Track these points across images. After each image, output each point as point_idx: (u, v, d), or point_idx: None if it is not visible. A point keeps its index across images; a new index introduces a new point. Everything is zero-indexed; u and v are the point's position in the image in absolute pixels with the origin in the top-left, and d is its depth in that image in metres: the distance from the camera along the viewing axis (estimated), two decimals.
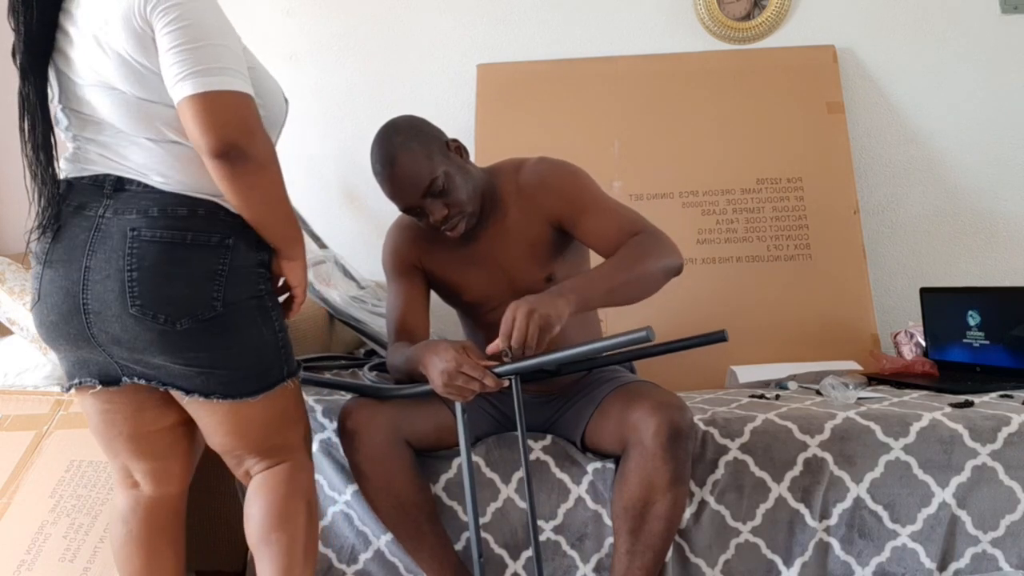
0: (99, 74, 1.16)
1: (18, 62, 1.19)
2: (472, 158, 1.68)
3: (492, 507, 1.58)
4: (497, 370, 1.32)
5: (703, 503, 1.55)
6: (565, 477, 1.56)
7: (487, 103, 2.66)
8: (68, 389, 1.28)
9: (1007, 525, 1.51)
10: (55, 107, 1.23)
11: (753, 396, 1.83)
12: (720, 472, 1.55)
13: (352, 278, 2.45)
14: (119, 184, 1.18)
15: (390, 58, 2.79)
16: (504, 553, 1.58)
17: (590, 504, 1.56)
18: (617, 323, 2.08)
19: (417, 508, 1.48)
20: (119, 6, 1.13)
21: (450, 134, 1.56)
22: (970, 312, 1.94)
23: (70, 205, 1.19)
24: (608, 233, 1.47)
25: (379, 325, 2.13)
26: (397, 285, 1.62)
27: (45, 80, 1.20)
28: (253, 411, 1.24)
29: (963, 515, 1.51)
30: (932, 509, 1.52)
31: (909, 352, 2.13)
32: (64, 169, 1.23)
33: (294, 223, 1.27)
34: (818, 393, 1.85)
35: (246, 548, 1.66)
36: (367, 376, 1.84)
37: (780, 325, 2.37)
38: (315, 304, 2.14)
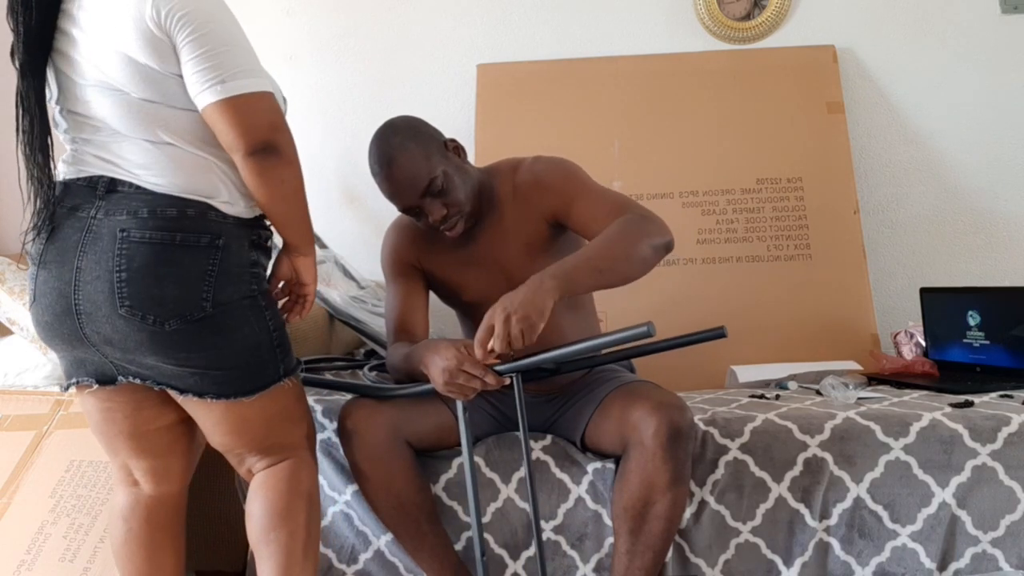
0: (103, 74, 1.17)
1: (17, 62, 1.19)
2: (472, 158, 1.68)
3: (492, 507, 1.58)
4: (498, 368, 1.32)
5: (703, 503, 1.55)
6: (565, 477, 1.56)
7: (487, 103, 2.66)
8: (66, 388, 1.28)
9: (1007, 525, 1.51)
10: (53, 108, 1.24)
11: (753, 396, 1.83)
12: (720, 472, 1.55)
13: (352, 278, 2.45)
14: (111, 185, 1.19)
15: (390, 58, 2.79)
16: (504, 553, 1.58)
17: (590, 504, 1.56)
18: (617, 323, 2.08)
19: (417, 508, 1.48)
20: (128, 9, 1.14)
21: (450, 134, 1.56)
22: (970, 312, 1.94)
23: (64, 206, 1.19)
24: (597, 217, 1.45)
25: (379, 325, 2.13)
26: (396, 285, 1.62)
27: (43, 81, 1.21)
28: (250, 410, 1.25)
29: (963, 515, 1.51)
30: (932, 509, 1.52)
31: (909, 352, 2.13)
32: (61, 171, 1.24)
33: (308, 219, 1.32)
34: (818, 393, 1.85)
35: (246, 548, 1.66)
36: (367, 376, 1.84)
37: (780, 325, 2.37)
38: (315, 304, 2.14)
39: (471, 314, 1.64)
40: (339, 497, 1.60)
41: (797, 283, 2.41)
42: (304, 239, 1.32)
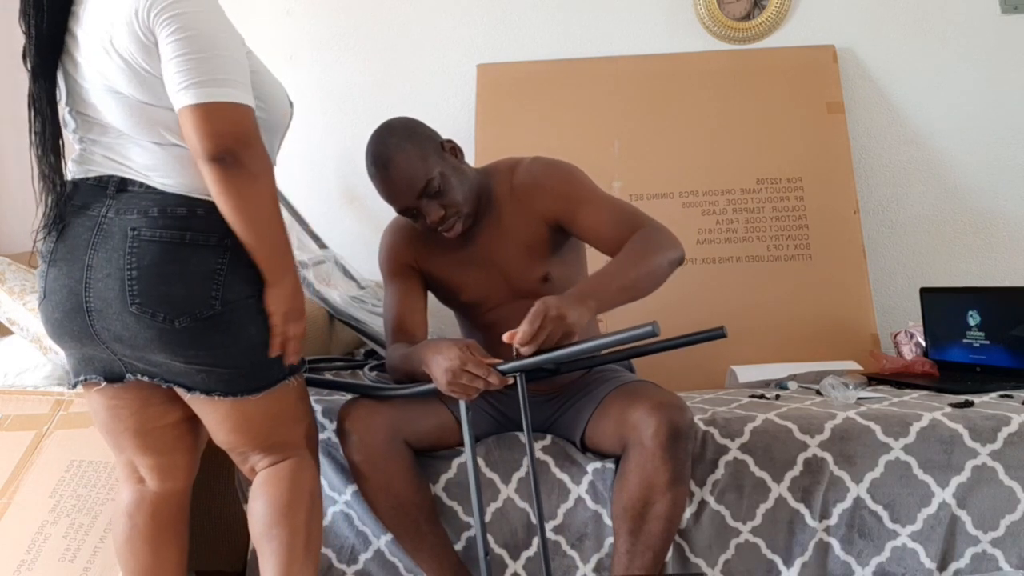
0: (104, 77, 1.18)
1: (29, 64, 1.20)
2: (472, 158, 1.68)
3: (492, 507, 1.58)
4: (501, 367, 1.32)
5: (703, 503, 1.55)
6: (565, 477, 1.56)
7: (487, 103, 2.66)
8: (75, 385, 1.30)
9: (1007, 525, 1.51)
10: (63, 109, 1.25)
11: (753, 396, 1.83)
12: (720, 472, 1.55)
13: (352, 278, 2.45)
14: (122, 185, 1.20)
15: (390, 58, 2.79)
16: (504, 553, 1.58)
17: (590, 504, 1.56)
18: (616, 322, 2.08)
19: (416, 508, 1.48)
20: (122, 10, 1.14)
21: (450, 134, 1.56)
22: (970, 312, 1.94)
23: (74, 205, 1.21)
24: (607, 228, 1.47)
25: (379, 325, 2.13)
26: (394, 286, 1.62)
27: (54, 82, 1.22)
28: (255, 408, 1.25)
29: (963, 515, 1.51)
30: (932, 509, 1.52)
31: (909, 352, 2.13)
32: (71, 170, 1.25)
33: (281, 247, 1.23)
34: (818, 393, 1.85)
35: (246, 548, 1.66)
36: (368, 376, 1.84)
37: (780, 325, 2.37)
38: (315, 304, 2.14)
39: (469, 314, 1.64)
40: (339, 497, 1.60)
41: (797, 283, 2.41)
42: (269, 263, 1.21)
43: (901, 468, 1.52)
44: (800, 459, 1.55)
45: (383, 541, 1.60)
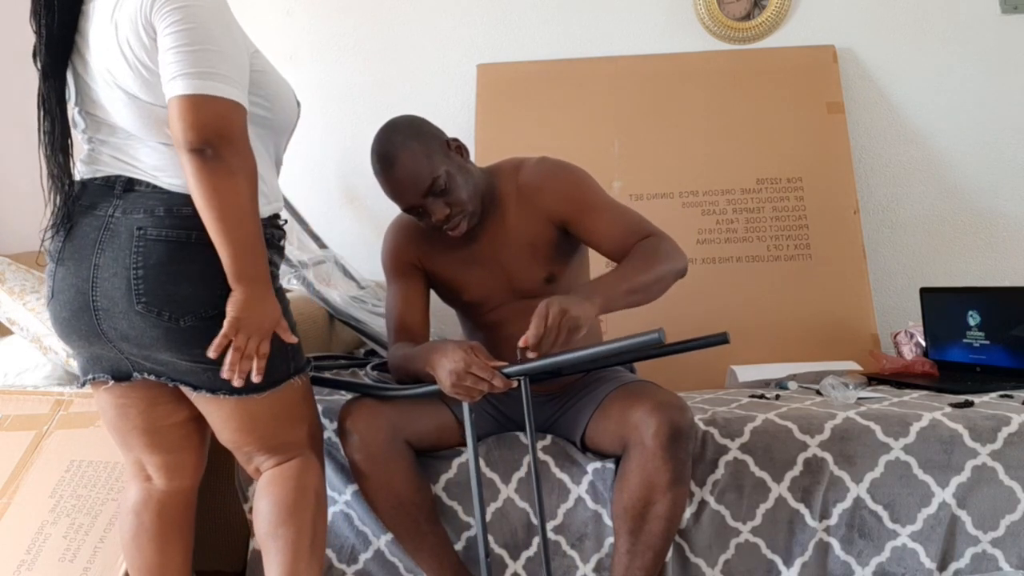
0: (113, 77, 1.18)
1: (39, 64, 1.20)
2: (472, 158, 1.68)
3: (492, 507, 1.58)
4: (506, 371, 1.32)
5: (703, 503, 1.55)
6: (565, 477, 1.56)
7: (487, 103, 2.66)
8: (83, 384, 1.31)
9: (1007, 525, 1.51)
10: (72, 109, 1.26)
11: (753, 396, 1.83)
12: (720, 472, 1.55)
13: (352, 278, 2.45)
14: (129, 185, 1.20)
15: (390, 58, 2.79)
16: (504, 553, 1.58)
17: (590, 504, 1.56)
18: (616, 323, 2.08)
19: (416, 508, 1.48)
20: (128, 9, 1.14)
21: (450, 134, 1.56)
22: (970, 312, 1.94)
23: (82, 205, 1.22)
24: (614, 234, 1.48)
25: (379, 325, 2.13)
26: (396, 285, 1.62)
27: (64, 82, 1.22)
28: (260, 407, 1.26)
29: (963, 515, 1.51)
30: (932, 509, 1.52)
31: (909, 352, 2.13)
32: (79, 170, 1.26)
33: (249, 251, 1.15)
34: (818, 393, 1.85)
35: (246, 548, 1.66)
36: (370, 375, 1.84)
37: (780, 325, 2.36)
38: (315, 304, 2.14)
39: (472, 314, 1.64)
40: (339, 497, 1.60)
41: (797, 283, 2.41)
42: (233, 265, 1.14)
43: (901, 468, 1.52)
44: (800, 459, 1.55)
45: (383, 541, 1.60)
